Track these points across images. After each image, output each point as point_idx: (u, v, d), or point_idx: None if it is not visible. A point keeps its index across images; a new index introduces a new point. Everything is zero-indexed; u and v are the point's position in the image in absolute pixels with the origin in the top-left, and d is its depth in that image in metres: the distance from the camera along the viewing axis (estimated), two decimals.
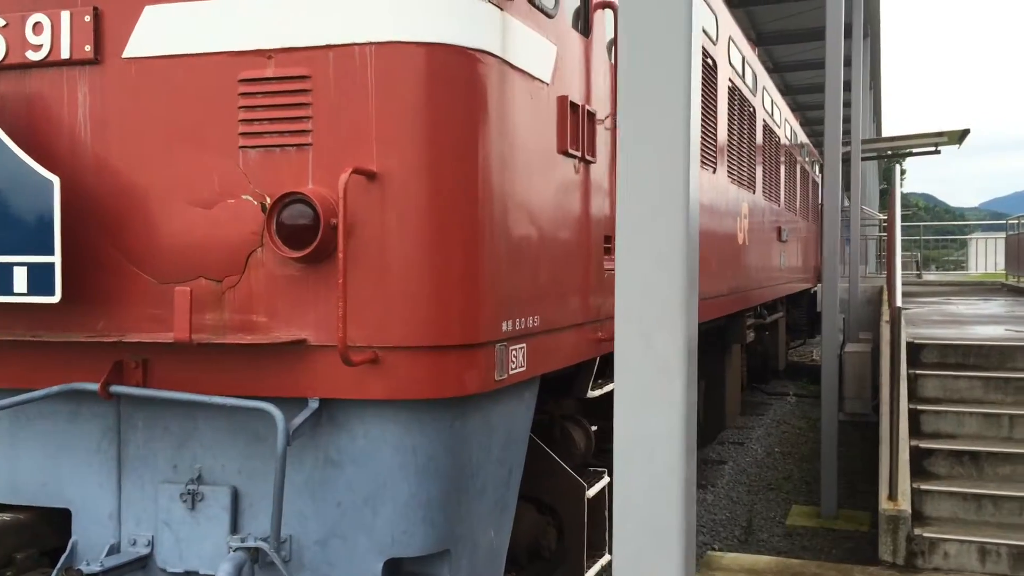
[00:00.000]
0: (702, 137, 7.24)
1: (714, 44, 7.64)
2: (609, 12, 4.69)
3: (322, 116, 3.20)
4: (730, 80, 8.46)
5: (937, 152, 20.04)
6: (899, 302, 6.22)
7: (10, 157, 3.25)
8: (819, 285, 16.16)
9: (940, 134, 18.49)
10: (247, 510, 3.34)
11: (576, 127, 4.20)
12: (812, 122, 36.73)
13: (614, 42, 4.68)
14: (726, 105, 8.24)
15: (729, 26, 8.36)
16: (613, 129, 4.68)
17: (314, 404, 3.20)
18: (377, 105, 3.15)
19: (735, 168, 8.76)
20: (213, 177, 3.32)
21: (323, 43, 3.19)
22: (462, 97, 3.23)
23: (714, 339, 9.71)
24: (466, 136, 3.24)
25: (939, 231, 50.16)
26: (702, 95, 7.23)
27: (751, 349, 13.24)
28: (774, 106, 12.08)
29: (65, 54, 3.42)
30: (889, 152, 21.62)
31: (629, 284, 2.08)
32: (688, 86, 2.11)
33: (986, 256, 36.20)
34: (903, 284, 21.73)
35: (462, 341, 3.24)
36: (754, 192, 10.05)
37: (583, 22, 4.46)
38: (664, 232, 2.07)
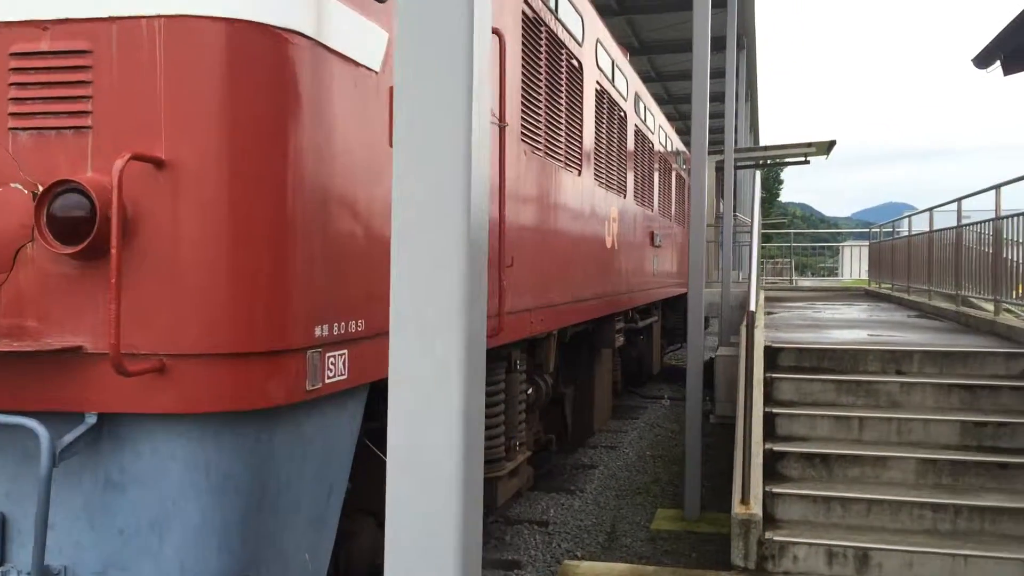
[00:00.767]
0: (566, 139, 7.14)
1: (580, 46, 7.55)
2: None
3: (104, 96, 2.86)
4: (598, 83, 8.40)
5: (806, 162, 20.73)
6: (753, 307, 6.25)
7: None
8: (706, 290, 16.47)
9: (809, 144, 19.12)
10: (15, 538, 2.96)
11: None
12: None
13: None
14: (593, 108, 8.18)
15: (597, 29, 8.30)
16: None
17: (91, 419, 2.85)
18: (166, 86, 2.83)
19: (603, 172, 8.71)
20: None
21: (105, 15, 2.86)
22: (266, 80, 2.95)
23: (582, 343, 9.66)
24: (271, 124, 2.96)
25: (815, 239, 52.36)
26: (567, 96, 7.12)
27: (625, 353, 13.32)
28: (647, 112, 12.16)
29: None
30: (762, 161, 22.25)
31: (405, 282, 1.86)
32: (470, 67, 1.90)
33: (857, 263, 38.03)
34: (774, 290, 22.31)
35: (266, 348, 2.96)
36: (624, 196, 10.04)
37: None
38: (444, 226, 1.86)
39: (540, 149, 6.33)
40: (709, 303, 14.69)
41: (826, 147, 19.19)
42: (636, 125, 10.99)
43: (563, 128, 7.02)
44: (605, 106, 8.82)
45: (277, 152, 2.97)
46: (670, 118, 35.06)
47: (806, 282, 36.59)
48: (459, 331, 1.80)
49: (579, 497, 9.82)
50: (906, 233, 15.54)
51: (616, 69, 9.39)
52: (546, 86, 6.50)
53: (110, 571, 2.92)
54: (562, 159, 6.99)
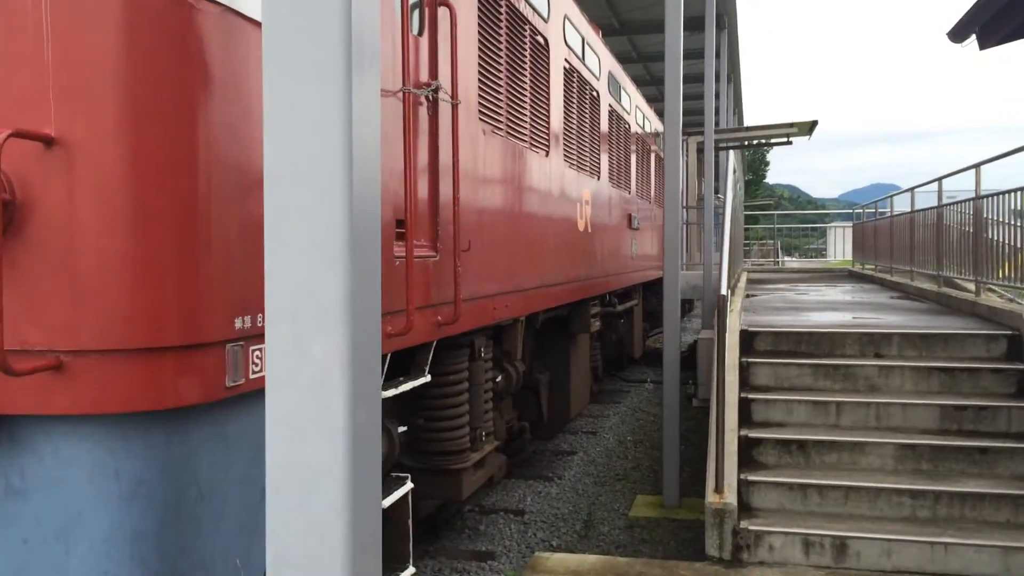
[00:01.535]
0: (532, 119, 6.89)
1: (545, 22, 7.29)
2: None
3: None
4: (566, 61, 8.15)
5: (789, 143, 20.51)
6: (724, 290, 6.04)
7: None
8: (684, 272, 16.26)
9: (791, 124, 18.91)
10: None
11: None
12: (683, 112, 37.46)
13: (418, 6, 4.23)
14: (561, 87, 7.93)
15: (564, 5, 8.03)
16: (405, 101, 4.23)
17: None
18: (55, 55, 2.58)
19: (573, 153, 8.46)
20: None
21: None
22: (169, 49, 2.70)
23: (556, 329, 9.45)
24: (175, 98, 2.71)
25: (803, 220, 52.31)
26: (531, 74, 6.87)
27: (605, 337, 13.12)
28: (623, 93, 11.91)
29: None
30: (744, 142, 22.02)
31: (279, 275, 1.62)
32: (348, 28, 1.65)
33: (843, 244, 38.04)
34: (759, 271, 22.14)
35: (177, 342, 2.72)
36: (598, 179, 9.81)
37: None
38: (320, 211, 1.62)
39: (502, 128, 6.08)
40: (693, 286, 14.50)
41: (808, 127, 18.98)
42: (610, 105, 10.74)
43: (528, 107, 6.77)
44: (575, 85, 8.57)
45: (183, 129, 2.72)
46: (653, 99, 34.78)
47: (794, 263, 36.53)
48: (341, 332, 1.57)
49: (557, 484, 9.63)
50: (889, 214, 15.37)
51: (587, 47, 9.13)
52: (507, 63, 6.25)
53: None
54: (527, 139, 6.74)
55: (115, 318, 2.61)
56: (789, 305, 11.14)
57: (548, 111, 7.39)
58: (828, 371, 7.35)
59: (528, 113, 6.78)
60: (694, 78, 20.28)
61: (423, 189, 4.69)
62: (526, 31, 6.70)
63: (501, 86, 6.08)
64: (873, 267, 17.22)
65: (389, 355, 4.29)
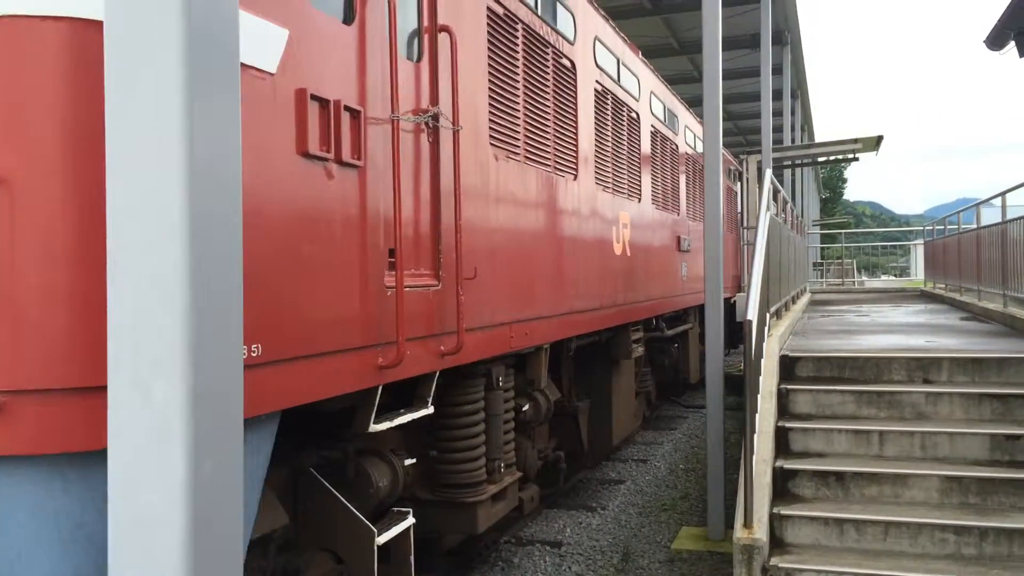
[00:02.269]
0: (555, 142, 6.78)
1: (571, 44, 7.19)
2: None
3: None
4: (598, 83, 8.02)
5: (855, 159, 19.93)
6: (751, 315, 5.81)
7: None
8: (739, 294, 15.88)
9: (855, 140, 18.35)
10: None
11: (327, 125, 3.68)
12: (745, 131, 36.81)
13: (391, 29, 4.18)
14: (592, 110, 7.80)
15: (594, 26, 7.93)
16: (393, 128, 4.18)
17: None
18: None
19: (608, 176, 8.31)
20: None
21: None
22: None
23: (596, 355, 9.26)
24: None
25: (885, 237, 50.80)
26: (554, 98, 6.76)
27: (657, 363, 12.84)
28: (669, 113, 11.71)
29: None
30: (806, 160, 21.47)
31: (120, 316, 1.55)
32: (186, 51, 1.58)
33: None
34: (827, 292, 21.48)
35: None
36: (639, 201, 9.62)
37: (345, 6, 3.96)
38: (161, 248, 1.54)
39: (519, 153, 5.99)
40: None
41: (874, 143, 18.39)
42: (653, 126, 10.56)
43: (551, 131, 6.66)
44: (608, 107, 8.43)
45: None
46: None
47: (877, 283, 35.42)
48: (181, 375, 1.48)
49: (599, 515, 9.41)
50: (958, 230, 14.73)
51: (623, 67, 8.99)
52: (526, 88, 6.16)
53: None
54: (551, 163, 6.63)
55: (54, 356, 2.59)
56: (843, 328, 10.73)
57: (576, 135, 7.27)
58: (872, 398, 7.00)
59: (552, 137, 6.68)
60: (756, 96, 19.91)
61: (423, 217, 4.62)
62: (547, 55, 6.61)
63: (518, 111, 6.00)
64: (944, 286, 16.52)
65: (380, 388, 4.21)
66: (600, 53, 8.10)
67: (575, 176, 7.23)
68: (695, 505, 10.00)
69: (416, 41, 4.67)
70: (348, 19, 3.95)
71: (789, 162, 21.29)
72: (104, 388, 2.59)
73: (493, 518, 5.93)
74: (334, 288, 3.74)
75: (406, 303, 4.34)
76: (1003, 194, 10.29)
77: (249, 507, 3.34)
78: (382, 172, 4.14)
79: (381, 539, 4.36)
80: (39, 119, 2.61)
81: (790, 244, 11.93)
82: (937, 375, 7.19)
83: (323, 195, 3.66)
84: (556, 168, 6.76)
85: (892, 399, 6.94)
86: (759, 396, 6.63)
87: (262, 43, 3.27)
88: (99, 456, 2.70)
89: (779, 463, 6.49)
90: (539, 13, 6.42)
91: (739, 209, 19.10)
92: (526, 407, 6.90)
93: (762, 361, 7.03)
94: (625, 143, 9.06)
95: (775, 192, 10.64)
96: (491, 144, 5.52)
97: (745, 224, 18.65)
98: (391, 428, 4.79)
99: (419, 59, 4.63)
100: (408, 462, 5.05)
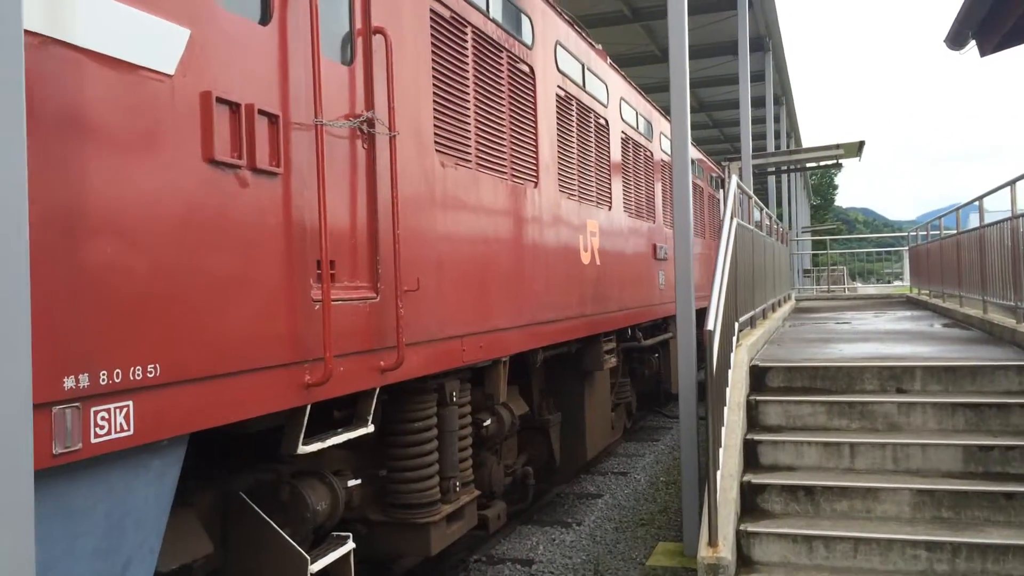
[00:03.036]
0: (511, 150, 6.57)
1: (529, 49, 7.00)
2: None
3: None
4: (560, 88, 7.83)
5: (838, 165, 19.78)
6: (711, 326, 5.60)
7: None
8: None
9: (836, 146, 18.22)
10: None
11: (237, 131, 3.47)
12: (732, 139, 36.70)
13: (313, 30, 3.97)
14: (554, 116, 7.60)
15: (555, 30, 7.74)
16: (317, 134, 3.97)
17: None
18: None
19: (572, 183, 8.11)
20: None
21: None
22: None
23: (567, 367, 9.04)
24: None
25: (879, 243, 50.67)
26: (509, 104, 6.56)
27: (638, 373, 12.63)
28: (642, 120, 11.53)
29: None
30: (790, 167, 21.34)
31: None
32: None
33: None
34: (813, 299, 21.28)
35: None
36: (610, 208, 9.43)
37: (261, 6, 3.75)
38: None
39: (469, 160, 5.78)
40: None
41: (856, 148, 18.28)
42: (624, 133, 10.37)
43: (507, 137, 6.46)
44: (573, 113, 8.24)
45: None
46: (702, 126, 34.15)
47: (870, 289, 35.25)
48: None
49: (574, 531, 9.17)
50: (939, 236, 14.57)
51: (588, 73, 8.81)
52: (477, 93, 5.96)
53: None
54: (507, 170, 6.43)
55: None
56: (821, 336, 10.52)
57: (536, 141, 7.07)
58: (844, 409, 6.80)
59: (508, 144, 6.48)
60: (736, 104, 19.76)
61: (358, 226, 4.41)
62: (501, 59, 6.41)
63: (468, 116, 5.80)
64: (927, 292, 16.36)
65: (309, 406, 3.99)
66: (562, 58, 7.91)
67: (535, 183, 7.03)
68: (673, 519, 9.77)
69: (348, 44, 4.47)
70: (264, 19, 3.74)
71: (773, 168, 21.14)
72: None
73: (448, 539, 5.70)
74: (250, 302, 3.52)
75: (338, 317, 4.12)
76: (980, 198, 10.12)
77: (150, 539, 3.11)
78: (308, 180, 3.93)
79: (315, 567, 4.13)
80: None
81: (768, 251, 11.74)
82: (911, 384, 6.99)
83: (234, 204, 3.45)
84: (514, 175, 6.56)
85: (864, 409, 6.74)
86: (726, 408, 6.43)
87: (157, 42, 3.06)
88: None
89: (747, 477, 6.28)
90: (491, 16, 6.23)
91: (722, 216, 18.94)
92: (488, 422, 6.67)
93: (729, 372, 6.82)
94: (592, 150, 8.87)
95: (749, 199, 10.45)
96: (437, 151, 5.31)
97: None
98: (336, 446, 4.58)
99: (349, 62, 4.42)
100: (352, 483, 4.82)
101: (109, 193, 2.86)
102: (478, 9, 5.98)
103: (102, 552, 2.90)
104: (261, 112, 3.59)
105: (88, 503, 2.84)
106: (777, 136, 29.55)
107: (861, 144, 18.09)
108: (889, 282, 46.53)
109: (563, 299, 7.60)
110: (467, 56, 5.81)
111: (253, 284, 3.55)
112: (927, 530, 5.63)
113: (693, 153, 15.73)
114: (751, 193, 10.98)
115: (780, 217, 36.13)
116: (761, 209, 12.09)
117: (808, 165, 21.83)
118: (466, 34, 5.81)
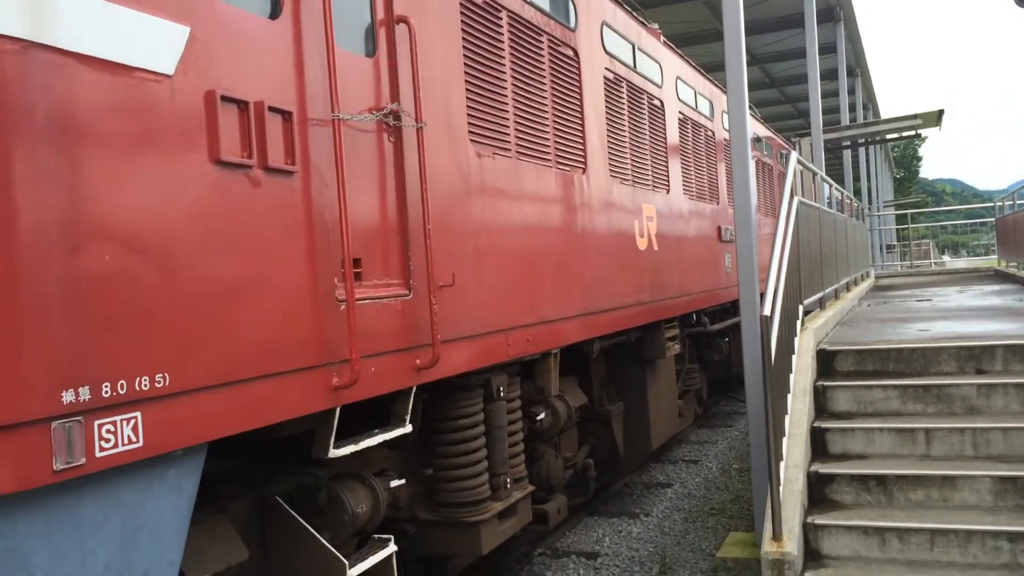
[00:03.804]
0: (555, 136, 6.38)
1: (572, 31, 6.79)
2: None
3: None
4: (608, 71, 7.59)
5: (918, 135, 18.95)
6: (768, 311, 5.32)
7: None
8: None
9: (914, 116, 17.42)
10: None
11: (247, 130, 3.38)
12: (804, 113, 35.61)
13: (327, 22, 3.86)
14: (602, 99, 7.37)
15: (601, 11, 7.49)
16: (335, 129, 3.86)
17: None
18: None
19: (625, 167, 7.87)
20: None
21: None
22: None
23: (629, 356, 8.82)
24: None
25: (968, 215, 48.73)
26: (552, 91, 6.36)
27: (707, 359, 12.30)
28: (702, 99, 11.17)
29: None
30: (865, 140, 20.52)
31: None
32: None
33: None
34: (890, 276, 20.49)
35: None
36: (668, 192, 9.14)
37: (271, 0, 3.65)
38: None
39: (508, 149, 5.61)
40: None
41: (935, 118, 17.45)
42: (682, 113, 10.05)
43: (550, 124, 6.27)
44: (623, 96, 7.98)
45: None
46: (774, 102, 33.20)
47: (960, 263, 33.96)
48: None
49: (641, 522, 8.97)
50: None
51: (640, 53, 8.53)
52: (515, 80, 5.78)
53: None
54: (551, 158, 6.24)
55: None
56: (896, 316, 10.04)
57: (582, 126, 6.85)
58: (918, 392, 6.42)
59: (551, 130, 6.28)
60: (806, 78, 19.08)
61: (387, 222, 4.29)
62: (541, 44, 6.21)
63: (506, 105, 5.63)
64: (1015, 265, 15.52)
65: (338, 409, 3.89)
66: (610, 39, 7.66)
67: (584, 170, 6.82)
68: (746, 508, 9.45)
69: (371, 35, 4.34)
70: (275, 13, 3.64)
71: (848, 142, 20.37)
72: None
73: (500, 537, 5.57)
74: (268, 306, 3.44)
75: (368, 316, 4.02)
76: None
77: (169, 552, 3.05)
78: (328, 177, 3.83)
79: (353, 571, 4.04)
80: None
81: (839, 228, 11.26)
82: (991, 364, 6.57)
83: (246, 205, 3.36)
84: (558, 162, 6.36)
85: (940, 393, 6.35)
86: (790, 395, 6.13)
87: (153, 42, 2.98)
88: None
89: (814, 467, 5.98)
90: (529, 0, 6.04)
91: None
92: (541, 416, 6.51)
93: (793, 358, 6.51)
94: (647, 132, 8.60)
95: (814, 175, 10.01)
96: (472, 141, 5.16)
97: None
98: (379, 446, 4.48)
99: (371, 54, 4.30)
100: (395, 483, 4.72)
101: (107, 200, 2.79)
102: None
103: (116, 567, 2.85)
104: (272, 109, 3.49)
105: (98, 517, 2.79)
106: (852, 109, 28.50)
107: (940, 113, 17.25)
108: (980, 255, 44.68)
109: (618, 287, 7.38)
110: (503, 43, 5.64)
111: (270, 286, 3.46)
112: (1010, 520, 5.26)
113: (760, 130, 15.23)
114: (815, 169, 10.52)
115: (858, 192, 34.95)
116: (831, 185, 11.60)
117: (888, 137, 20.95)
118: (501, 20, 5.63)
